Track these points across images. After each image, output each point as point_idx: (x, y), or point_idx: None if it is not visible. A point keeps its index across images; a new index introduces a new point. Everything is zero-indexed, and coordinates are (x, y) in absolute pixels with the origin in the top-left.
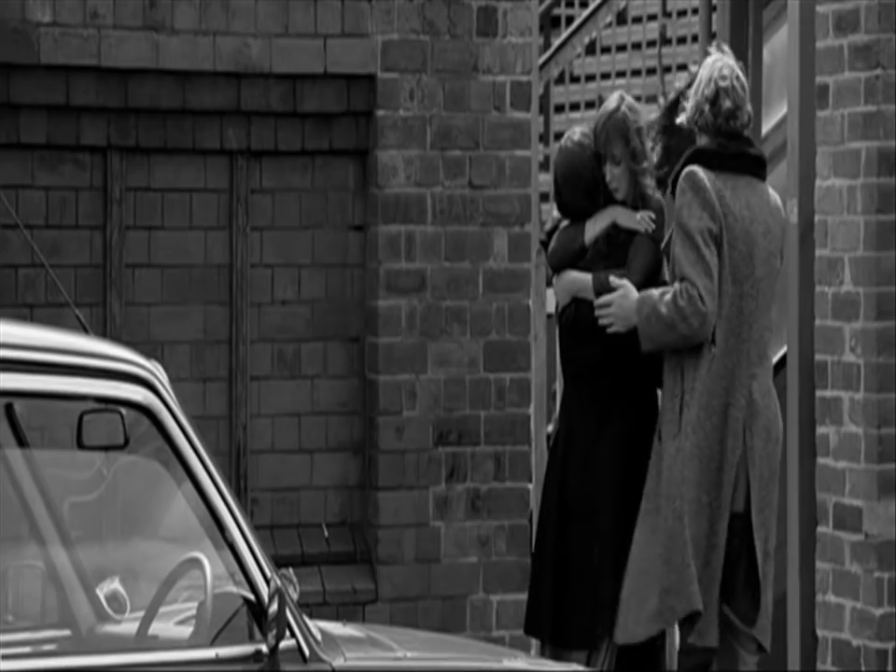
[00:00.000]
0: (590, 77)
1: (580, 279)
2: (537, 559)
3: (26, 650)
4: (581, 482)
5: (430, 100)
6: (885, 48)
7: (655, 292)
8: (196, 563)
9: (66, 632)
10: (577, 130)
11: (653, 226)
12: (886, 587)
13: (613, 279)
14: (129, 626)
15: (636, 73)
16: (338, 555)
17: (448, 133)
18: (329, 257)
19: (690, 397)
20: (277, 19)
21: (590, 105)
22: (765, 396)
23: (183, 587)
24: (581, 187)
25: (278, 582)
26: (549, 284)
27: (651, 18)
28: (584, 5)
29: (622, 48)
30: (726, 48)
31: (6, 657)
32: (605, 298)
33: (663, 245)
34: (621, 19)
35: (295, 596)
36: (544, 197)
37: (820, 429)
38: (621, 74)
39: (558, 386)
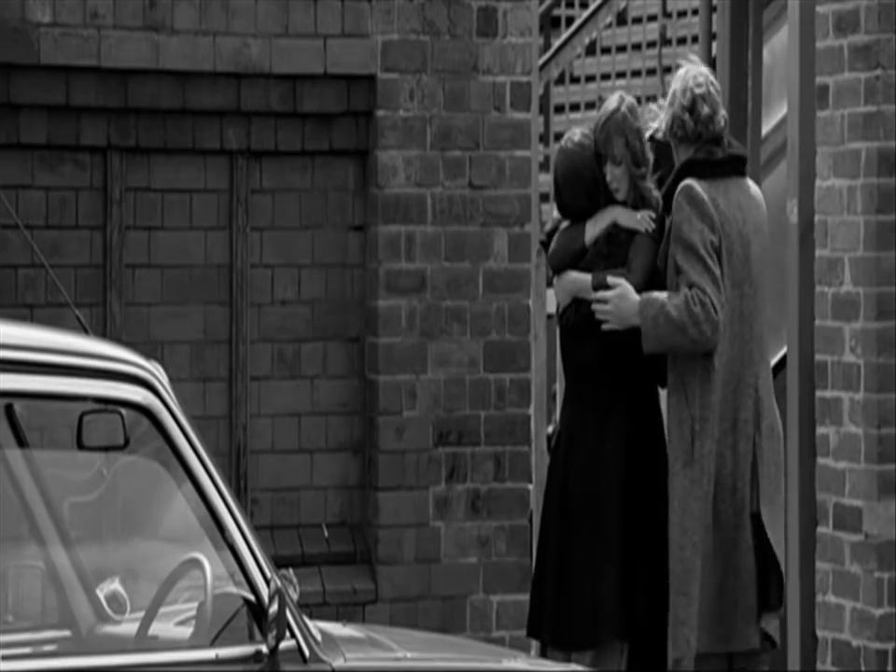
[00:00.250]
0: (590, 78)
1: (580, 279)
2: (538, 560)
3: (26, 650)
4: (583, 482)
5: (430, 100)
6: (885, 48)
7: (660, 294)
8: (196, 563)
9: (66, 632)
10: (577, 131)
11: (654, 226)
12: (886, 587)
13: (611, 278)
14: (129, 627)
15: (636, 73)
16: (338, 555)
17: (448, 133)
18: (329, 257)
19: (700, 426)
20: (277, 19)
21: (590, 105)
22: (768, 394)
23: (183, 587)
24: (581, 187)
25: (278, 583)
26: (549, 284)
27: (651, 18)
28: (584, 5)
29: (622, 48)
30: (694, 57)
31: (6, 657)
32: (601, 294)
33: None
34: (621, 19)
35: (295, 597)
36: (544, 197)
37: (820, 429)
38: (621, 74)
39: (558, 387)
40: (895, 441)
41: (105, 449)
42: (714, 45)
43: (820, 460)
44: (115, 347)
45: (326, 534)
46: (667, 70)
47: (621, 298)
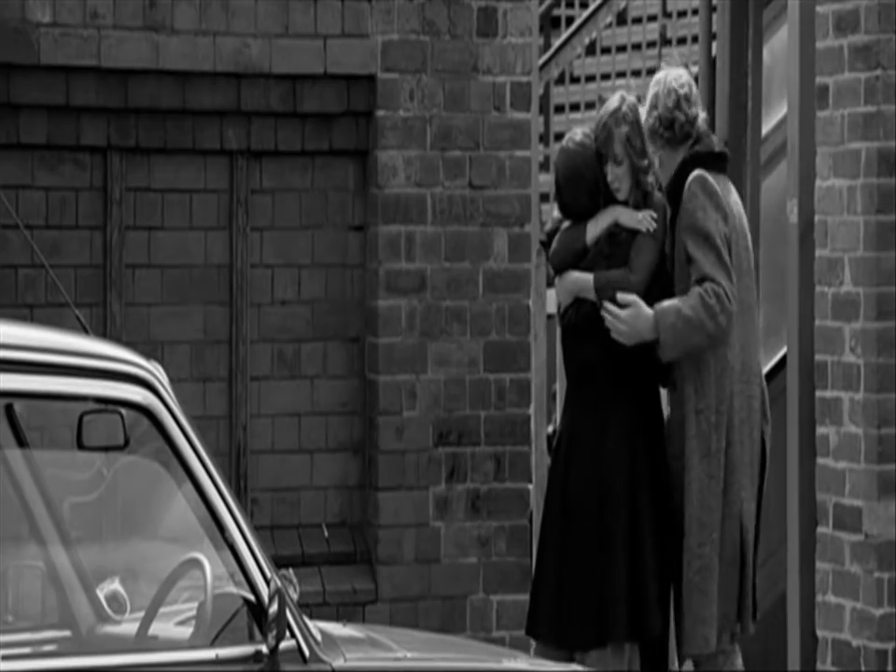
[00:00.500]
0: (590, 78)
1: (581, 279)
2: (539, 560)
3: (26, 650)
4: (584, 482)
5: (430, 100)
6: (885, 48)
7: (671, 301)
8: (196, 563)
9: (66, 632)
10: (578, 131)
11: (655, 225)
12: (886, 587)
13: (621, 295)
14: (129, 627)
15: (636, 73)
16: (338, 555)
17: (448, 133)
18: (329, 257)
19: (717, 419)
20: (277, 19)
21: (590, 105)
22: (763, 380)
23: (183, 587)
24: (582, 187)
25: (278, 583)
26: (550, 284)
27: (651, 18)
28: (584, 5)
29: (622, 48)
30: (672, 59)
31: (6, 657)
32: (615, 311)
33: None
34: (621, 19)
35: (295, 597)
36: (544, 197)
37: (820, 429)
38: (621, 74)
39: (558, 387)
40: (895, 441)
41: (105, 449)
42: (714, 45)
43: (820, 460)
44: (115, 347)
45: (326, 534)
46: None
47: (635, 317)
